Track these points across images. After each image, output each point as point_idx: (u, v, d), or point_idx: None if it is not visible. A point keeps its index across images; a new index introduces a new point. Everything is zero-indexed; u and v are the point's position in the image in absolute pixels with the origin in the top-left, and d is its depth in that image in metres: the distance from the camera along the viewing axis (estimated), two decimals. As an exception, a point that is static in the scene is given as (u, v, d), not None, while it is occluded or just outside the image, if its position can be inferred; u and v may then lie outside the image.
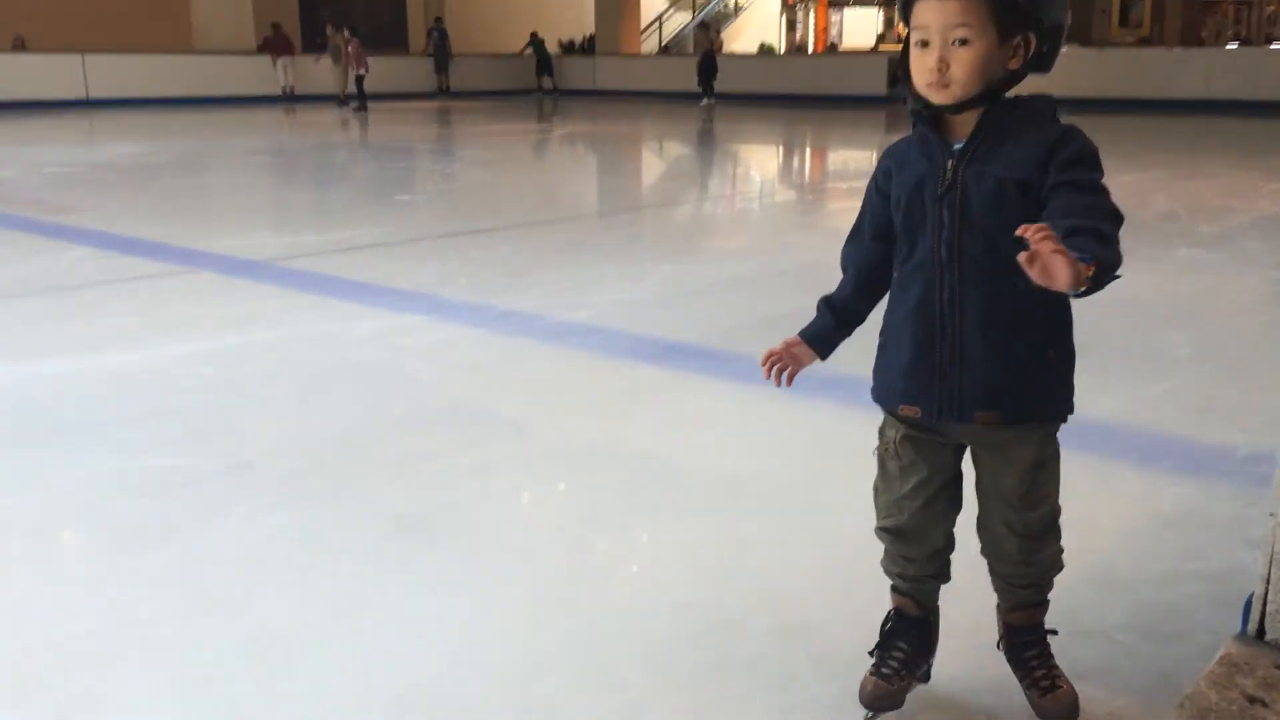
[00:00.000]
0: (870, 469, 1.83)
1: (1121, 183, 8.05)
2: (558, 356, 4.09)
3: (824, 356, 1.80)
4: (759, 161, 13.87)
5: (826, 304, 1.80)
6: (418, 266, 5.85)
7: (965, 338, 1.64)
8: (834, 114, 19.70)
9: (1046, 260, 1.36)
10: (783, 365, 1.75)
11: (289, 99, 21.75)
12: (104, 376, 3.82)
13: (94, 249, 6.33)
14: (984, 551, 1.84)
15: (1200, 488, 2.85)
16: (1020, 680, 1.86)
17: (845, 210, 8.72)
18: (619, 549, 2.55)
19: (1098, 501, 2.74)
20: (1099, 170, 1.57)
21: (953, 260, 1.62)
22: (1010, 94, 1.63)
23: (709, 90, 21.71)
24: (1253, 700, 1.66)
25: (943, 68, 1.56)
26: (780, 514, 2.65)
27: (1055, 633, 1.91)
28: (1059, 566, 1.86)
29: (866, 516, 1.86)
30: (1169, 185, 9.37)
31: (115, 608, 2.24)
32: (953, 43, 1.56)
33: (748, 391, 3.41)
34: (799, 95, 22.42)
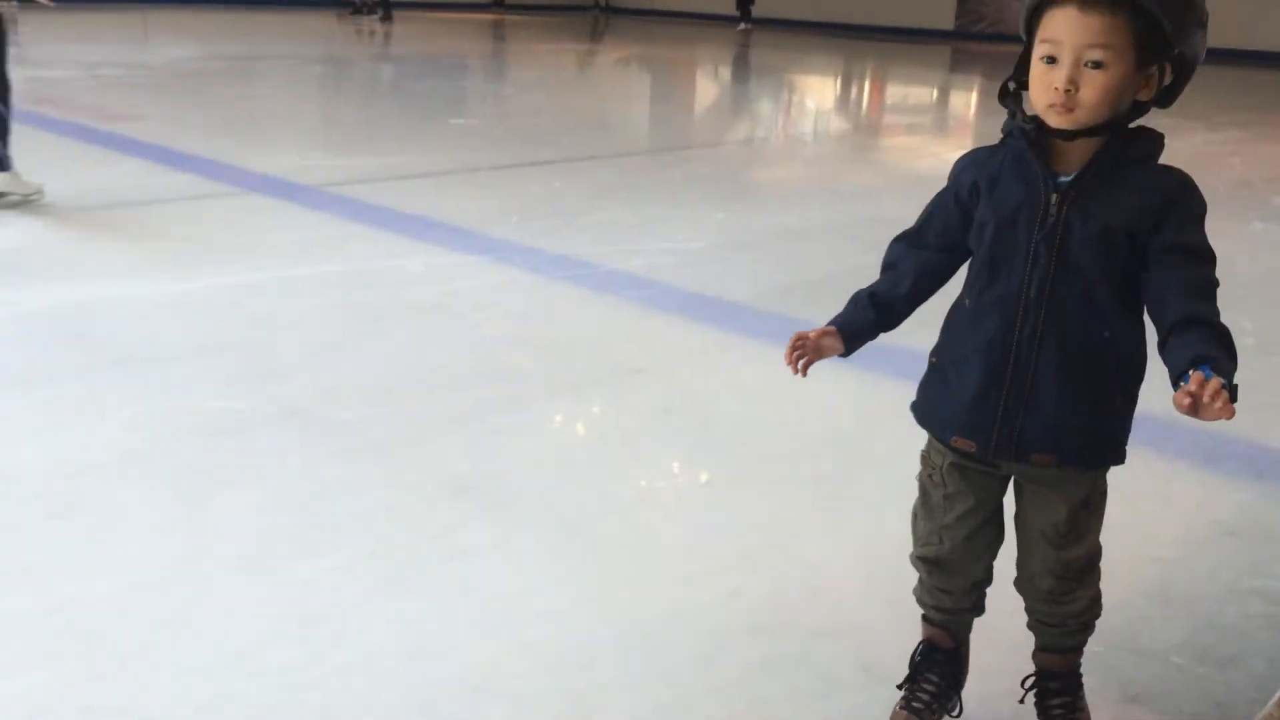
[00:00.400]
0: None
1: (1189, 145, 7.95)
2: (610, 309, 4.06)
3: (848, 354, 1.70)
4: (816, 97, 13.58)
5: (871, 300, 1.69)
6: (471, 200, 5.80)
7: (1038, 380, 1.56)
8: (894, 47, 19.24)
9: (1208, 413, 1.31)
10: (804, 355, 1.65)
11: (354, 6, 21.14)
12: (161, 305, 3.83)
13: (149, 162, 6.32)
14: (1019, 587, 1.78)
15: (1264, 494, 2.79)
16: None
17: (902, 157, 8.55)
18: (669, 527, 2.54)
19: (1158, 504, 2.70)
20: (1204, 230, 1.51)
21: (1041, 300, 1.54)
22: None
23: (746, 15, 21.81)
24: (1315, 750, 1.64)
25: (1071, 89, 1.44)
26: (835, 500, 2.62)
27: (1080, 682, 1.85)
28: (1095, 610, 1.79)
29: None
30: (1244, 149, 9.09)
31: (171, 558, 2.26)
32: (1086, 63, 1.44)
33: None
34: (856, 25, 21.94)
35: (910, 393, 1.74)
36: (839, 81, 15.42)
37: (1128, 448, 1.63)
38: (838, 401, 3.14)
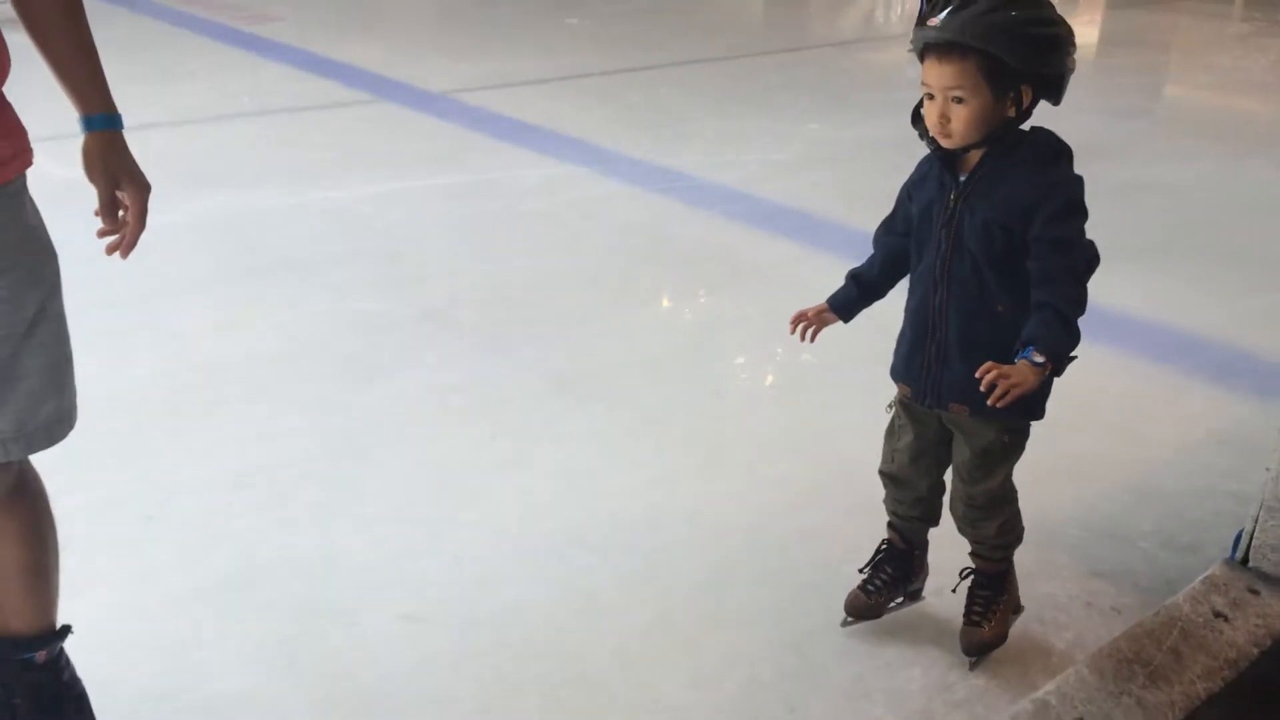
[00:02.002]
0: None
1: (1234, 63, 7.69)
2: (704, 222, 4.52)
3: (847, 321, 2.09)
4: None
5: (854, 280, 2.07)
6: (580, 109, 6.24)
7: (948, 341, 1.92)
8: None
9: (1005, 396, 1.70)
10: (809, 325, 2.05)
11: None
12: (311, 213, 4.45)
13: (289, 67, 6.91)
14: (950, 509, 2.12)
15: (1262, 410, 3.14)
16: (964, 607, 2.14)
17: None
18: (734, 421, 3.04)
19: (1161, 413, 3.10)
20: (1079, 216, 1.81)
21: (945, 276, 1.89)
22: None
23: None
24: (1218, 615, 2.10)
25: (944, 121, 1.78)
26: (872, 403, 3.08)
27: (1022, 609, 2.19)
28: (1007, 536, 2.10)
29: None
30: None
31: (341, 431, 2.88)
32: (951, 99, 1.77)
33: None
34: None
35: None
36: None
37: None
38: (887, 321, 3.58)
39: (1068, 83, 1.82)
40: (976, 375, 1.74)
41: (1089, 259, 1.82)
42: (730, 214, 4.61)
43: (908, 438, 2.08)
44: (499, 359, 3.31)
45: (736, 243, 4.35)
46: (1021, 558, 2.43)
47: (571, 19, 9.73)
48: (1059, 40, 1.78)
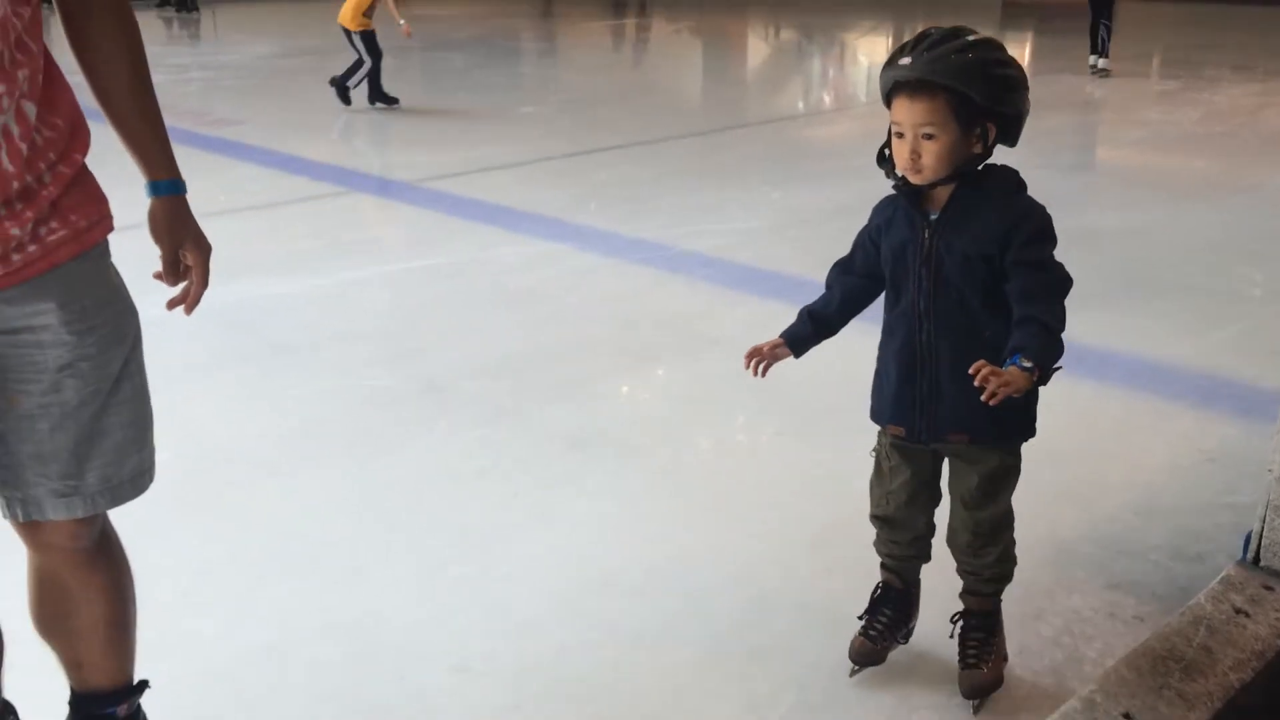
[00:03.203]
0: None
1: (1228, 97, 8.31)
2: (684, 287, 4.65)
3: (798, 357, 2.12)
4: (860, 61, 13.96)
5: (810, 316, 2.11)
6: (550, 190, 6.40)
7: (940, 375, 1.96)
8: (942, 4, 19.41)
9: (987, 392, 1.74)
10: (762, 360, 2.08)
11: None
12: (305, 299, 4.51)
13: (259, 167, 7.02)
14: (947, 542, 2.15)
15: (1247, 429, 3.30)
16: (958, 652, 2.16)
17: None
18: (747, 469, 3.13)
19: (1152, 438, 3.24)
20: (1050, 241, 1.89)
21: (929, 312, 1.95)
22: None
23: None
24: (1238, 611, 2.19)
25: (915, 157, 1.86)
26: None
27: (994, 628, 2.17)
28: (1005, 566, 2.13)
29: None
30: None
31: (359, 501, 2.91)
32: (921, 136, 1.85)
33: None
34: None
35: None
36: (890, 41, 15.73)
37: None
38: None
39: (1023, 124, 1.92)
40: (970, 372, 1.77)
41: (1064, 280, 1.89)
42: (709, 278, 4.74)
43: (902, 477, 2.11)
44: (508, 424, 3.37)
45: (716, 304, 4.47)
46: (1041, 575, 2.54)
47: (526, 108, 9.98)
48: (1017, 81, 1.89)
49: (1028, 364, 1.78)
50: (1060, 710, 1.98)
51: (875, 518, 2.20)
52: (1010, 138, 1.92)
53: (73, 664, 1.74)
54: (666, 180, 6.62)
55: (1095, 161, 7.70)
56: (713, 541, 2.70)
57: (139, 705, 1.81)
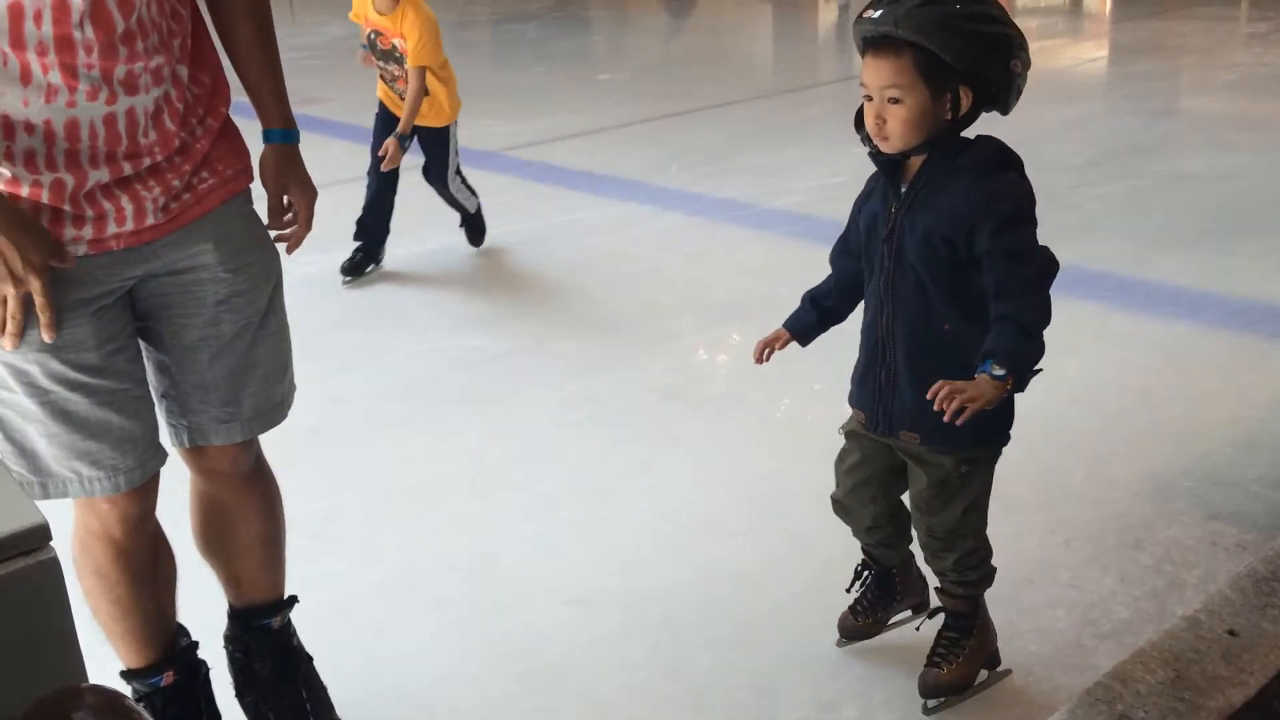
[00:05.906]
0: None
1: None
2: (771, 243, 4.70)
3: (805, 345, 2.01)
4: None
5: (813, 304, 1.99)
6: (630, 154, 6.47)
7: (897, 366, 1.82)
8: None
9: (949, 412, 1.59)
10: (768, 348, 1.98)
11: None
12: (404, 265, 4.65)
13: (350, 142, 7.16)
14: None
15: (1348, 365, 3.28)
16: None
17: (1041, 60, 8.84)
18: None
19: (1254, 376, 3.22)
20: (1028, 225, 1.70)
21: (889, 295, 1.80)
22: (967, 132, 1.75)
23: None
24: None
25: (880, 123, 1.70)
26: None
27: (1002, 672, 2.05)
28: (971, 574, 1.94)
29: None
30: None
31: (475, 448, 3.06)
32: (887, 100, 1.68)
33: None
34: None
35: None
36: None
37: None
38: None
39: (1018, 91, 1.72)
40: (928, 397, 1.62)
41: (1047, 267, 1.71)
42: (795, 234, 4.78)
43: (849, 463, 2.00)
44: (603, 378, 3.47)
45: (806, 259, 4.50)
46: (1138, 508, 2.58)
47: (603, 75, 10.04)
48: (1002, 41, 1.68)
49: (999, 372, 1.63)
50: (1166, 629, 2.02)
51: (832, 499, 2.10)
52: (999, 104, 1.73)
53: (231, 581, 1.88)
54: (746, 140, 6.64)
55: (1183, 106, 7.53)
56: (814, 484, 2.77)
57: (289, 619, 1.94)
